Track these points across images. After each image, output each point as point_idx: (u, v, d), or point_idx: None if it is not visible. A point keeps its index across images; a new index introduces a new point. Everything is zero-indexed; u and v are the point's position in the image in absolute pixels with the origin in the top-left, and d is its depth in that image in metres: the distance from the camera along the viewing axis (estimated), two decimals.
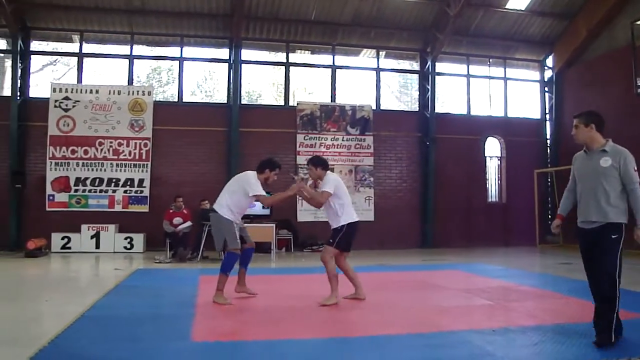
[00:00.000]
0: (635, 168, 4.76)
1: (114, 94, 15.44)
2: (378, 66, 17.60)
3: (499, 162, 18.46)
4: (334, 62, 17.20)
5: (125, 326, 5.71)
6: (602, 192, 4.82)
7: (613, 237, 4.77)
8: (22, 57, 15.17)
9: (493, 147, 18.43)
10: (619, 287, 4.76)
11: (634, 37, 14.02)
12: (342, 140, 16.71)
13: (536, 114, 19.00)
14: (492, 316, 6.37)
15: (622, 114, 14.98)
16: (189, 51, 16.57)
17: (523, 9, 16.98)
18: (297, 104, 16.68)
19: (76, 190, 15.07)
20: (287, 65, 16.97)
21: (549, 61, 18.91)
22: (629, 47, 14.51)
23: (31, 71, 15.72)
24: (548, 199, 18.32)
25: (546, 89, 18.96)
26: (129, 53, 16.10)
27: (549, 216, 18.36)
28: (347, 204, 7.46)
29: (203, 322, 5.90)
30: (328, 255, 7.13)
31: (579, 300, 7.12)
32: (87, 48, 16.06)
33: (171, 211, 13.27)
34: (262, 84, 17.82)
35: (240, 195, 7.43)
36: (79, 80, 15.67)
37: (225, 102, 16.40)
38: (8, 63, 15.61)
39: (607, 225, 4.79)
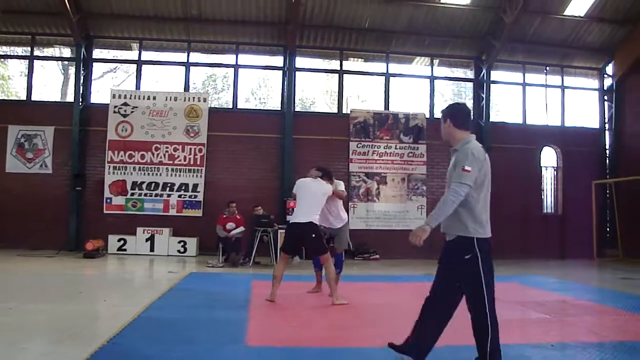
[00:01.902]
0: (469, 168, 3.96)
1: (170, 100, 15.77)
2: (432, 74, 17.43)
3: (555, 172, 17.99)
4: (387, 70, 17.12)
5: (180, 328, 5.81)
6: None
7: (466, 257, 4.03)
8: (84, 64, 15.69)
9: (549, 157, 17.99)
10: (493, 315, 4.01)
11: None
12: (395, 148, 16.61)
13: (595, 124, 18.45)
14: (549, 330, 6.18)
15: None
16: (244, 58, 16.80)
17: (582, 15, 16.53)
18: (351, 111, 16.67)
19: (132, 194, 15.43)
20: (341, 72, 16.99)
21: (609, 69, 18.34)
22: None
23: (93, 78, 16.26)
24: (607, 211, 17.79)
25: (605, 97, 18.39)
26: (185, 60, 16.44)
27: (607, 229, 17.85)
28: (298, 206, 7.78)
29: (257, 327, 5.95)
30: (279, 257, 7.84)
31: None
32: (146, 55, 16.48)
33: (224, 216, 13.44)
34: (315, 91, 17.92)
35: None
36: (137, 86, 16.09)
37: (279, 109, 16.55)
38: (72, 70, 16.21)
39: (456, 240, 4.12)
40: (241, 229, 13.26)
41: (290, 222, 7.71)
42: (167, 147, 15.64)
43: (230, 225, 13.26)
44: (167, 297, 7.83)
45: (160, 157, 15.60)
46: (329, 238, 8.44)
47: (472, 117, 4.45)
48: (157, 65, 16.84)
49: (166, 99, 15.76)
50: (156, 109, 15.68)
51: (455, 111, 4.38)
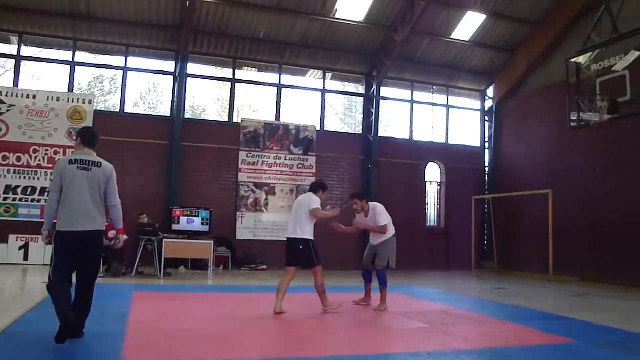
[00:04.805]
0: (52, 178, 5.34)
1: (52, 100, 14.93)
2: (324, 87, 17.73)
3: (439, 187, 18.80)
4: (280, 81, 17.20)
5: (51, 343, 5.44)
6: None
7: None
8: None
9: (434, 173, 18.78)
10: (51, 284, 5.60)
11: (568, 74, 14.56)
12: (285, 159, 16.67)
13: (476, 142, 19.51)
14: (428, 339, 6.38)
15: (556, 146, 15.55)
16: (134, 61, 16.23)
17: (467, 40, 17.47)
18: (241, 121, 16.56)
19: (5, 199, 14.41)
20: (233, 81, 16.87)
21: (490, 91, 19.52)
22: (564, 83, 15.00)
23: None
24: (485, 225, 18.77)
25: (486, 118, 19.54)
26: (70, 59, 15.62)
27: (485, 242, 18.84)
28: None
29: (135, 341, 5.69)
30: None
31: (513, 325, 7.30)
32: (26, 51, 15.48)
33: (106, 224, 12.81)
34: (207, 99, 17.64)
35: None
36: (15, 84, 15.06)
37: (169, 115, 16.13)
38: None
39: None
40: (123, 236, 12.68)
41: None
42: (46, 150, 14.77)
43: (112, 233, 12.65)
44: (39, 310, 7.33)
45: (39, 160, 14.71)
46: (373, 254, 8.78)
47: (94, 138, 5.76)
48: (39, 63, 15.88)
49: (48, 99, 14.90)
50: (36, 108, 14.78)
51: (81, 130, 5.85)
